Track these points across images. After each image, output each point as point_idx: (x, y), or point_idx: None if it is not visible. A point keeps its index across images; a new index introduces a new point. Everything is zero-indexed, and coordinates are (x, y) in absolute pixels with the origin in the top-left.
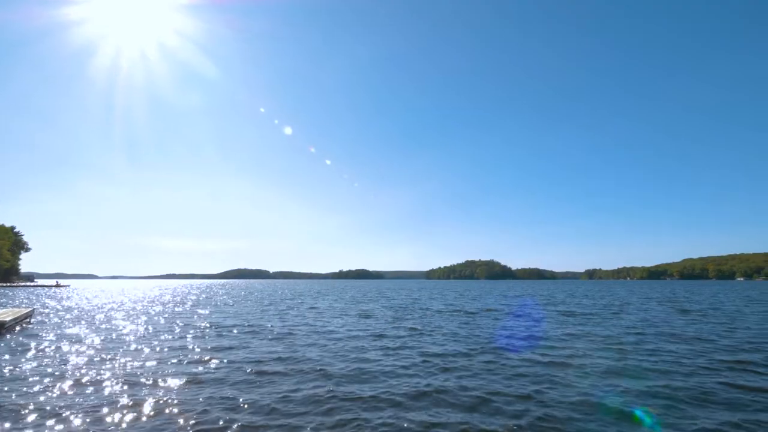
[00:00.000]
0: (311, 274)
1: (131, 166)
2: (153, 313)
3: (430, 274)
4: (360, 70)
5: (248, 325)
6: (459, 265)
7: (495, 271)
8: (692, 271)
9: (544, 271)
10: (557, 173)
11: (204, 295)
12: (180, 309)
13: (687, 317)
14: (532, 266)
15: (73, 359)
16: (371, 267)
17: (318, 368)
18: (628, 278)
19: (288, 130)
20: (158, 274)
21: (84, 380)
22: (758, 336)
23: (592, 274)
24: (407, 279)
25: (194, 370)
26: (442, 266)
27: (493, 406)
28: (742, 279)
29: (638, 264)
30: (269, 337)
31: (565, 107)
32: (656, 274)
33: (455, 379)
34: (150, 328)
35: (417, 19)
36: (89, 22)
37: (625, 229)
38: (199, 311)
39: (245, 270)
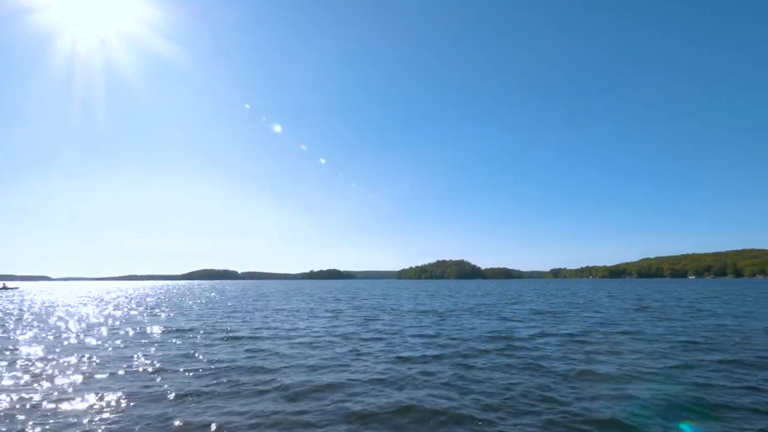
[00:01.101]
0: (281, 274)
1: (87, 159)
2: (98, 317)
3: (402, 274)
4: (330, 65)
5: (207, 330)
6: (430, 265)
7: (465, 271)
8: (649, 270)
9: (512, 270)
10: (526, 174)
11: (164, 297)
12: (133, 312)
13: (645, 313)
14: (501, 266)
15: None
16: (342, 267)
17: (276, 380)
18: (591, 277)
19: (276, 128)
20: (118, 275)
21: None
22: (712, 331)
23: (557, 273)
24: (379, 279)
25: (133, 383)
26: (413, 266)
27: (466, 413)
28: (693, 277)
29: (600, 263)
30: (229, 342)
31: (536, 108)
32: (617, 272)
33: (426, 389)
34: (85, 334)
35: (390, 14)
36: (48, 10)
37: (588, 230)
38: (157, 314)
39: (212, 271)
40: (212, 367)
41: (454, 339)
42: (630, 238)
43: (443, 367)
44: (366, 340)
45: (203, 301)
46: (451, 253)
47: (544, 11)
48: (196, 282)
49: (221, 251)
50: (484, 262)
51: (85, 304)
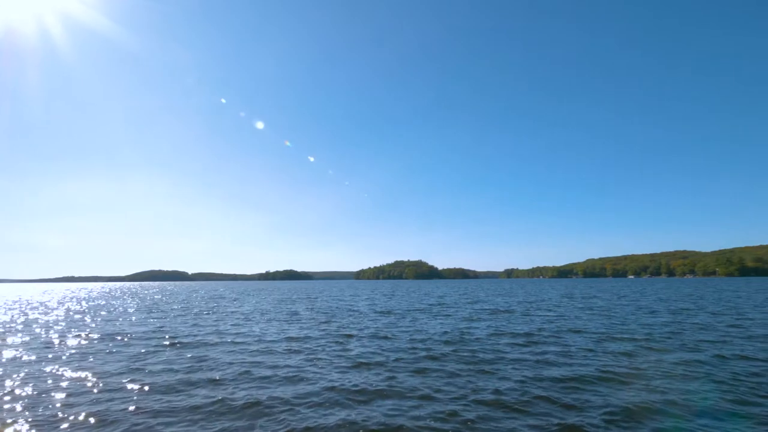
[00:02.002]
0: (236, 275)
1: (16, 150)
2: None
3: (360, 275)
4: (286, 63)
5: (147, 337)
6: (388, 265)
7: (423, 272)
8: (593, 270)
9: (468, 270)
10: (482, 178)
11: (100, 301)
12: (54, 316)
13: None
14: (458, 266)
15: None
16: (300, 268)
17: (218, 396)
18: (541, 277)
19: (238, 115)
20: (52, 276)
21: None
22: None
23: (510, 273)
24: (337, 279)
25: (41, 407)
26: (371, 266)
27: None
28: (632, 276)
29: (550, 264)
30: (172, 349)
31: (493, 113)
32: (564, 272)
33: (383, 400)
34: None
35: (346, 10)
36: None
37: (538, 233)
38: (87, 321)
39: (160, 272)
40: (145, 381)
41: (411, 340)
42: (577, 240)
43: (402, 373)
44: (322, 343)
45: (147, 304)
46: (409, 253)
47: (502, 18)
48: (141, 284)
49: (170, 251)
50: (441, 263)
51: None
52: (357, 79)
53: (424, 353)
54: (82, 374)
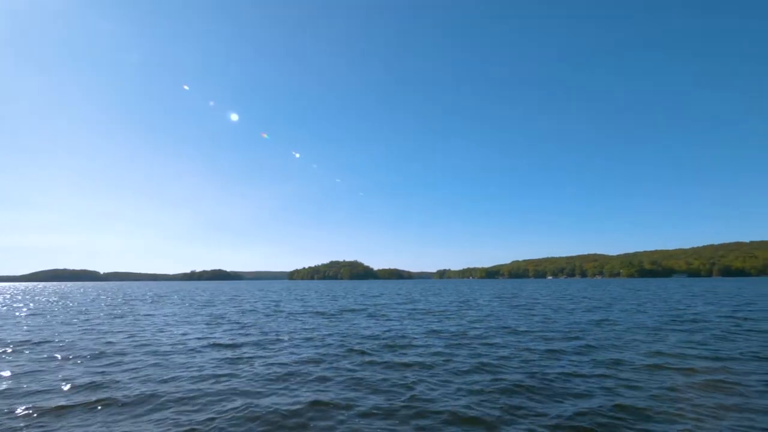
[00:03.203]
0: (156, 275)
1: None
2: None
3: (294, 275)
4: (217, 55)
5: (34, 345)
6: (323, 265)
7: (358, 272)
8: (518, 271)
9: (403, 271)
10: (416, 180)
11: None
12: None
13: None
14: (393, 267)
15: None
16: (229, 267)
17: (118, 415)
18: (471, 277)
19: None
20: None
21: None
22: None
23: (442, 274)
24: (269, 280)
25: None
26: (306, 267)
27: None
28: (551, 277)
29: (479, 265)
30: (71, 362)
31: (429, 115)
32: (492, 273)
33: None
34: None
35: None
36: None
37: (469, 235)
38: None
39: (65, 271)
40: (30, 404)
41: (344, 341)
42: (504, 243)
43: (331, 382)
44: (247, 348)
45: (41, 307)
46: (344, 254)
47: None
48: (40, 284)
49: (79, 248)
50: (376, 264)
51: None
52: (290, 75)
53: (358, 355)
54: None
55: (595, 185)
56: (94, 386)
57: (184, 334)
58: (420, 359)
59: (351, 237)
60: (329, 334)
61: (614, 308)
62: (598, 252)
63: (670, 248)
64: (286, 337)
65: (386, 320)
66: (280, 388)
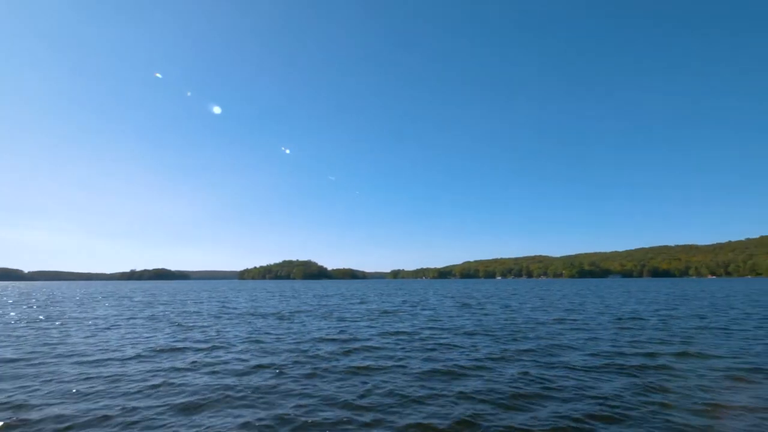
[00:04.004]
0: (90, 274)
1: None
2: None
3: (244, 275)
4: (160, 49)
5: None
6: (275, 265)
7: (312, 272)
8: (469, 271)
9: (357, 271)
10: (370, 180)
11: None
12: None
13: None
14: (347, 267)
15: None
16: (174, 266)
17: None
18: (424, 277)
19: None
20: None
21: None
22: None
23: (396, 274)
24: (218, 280)
25: None
26: (257, 266)
27: None
28: (499, 278)
29: (432, 265)
30: None
31: (382, 116)
32: (444, 273)
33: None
34: None
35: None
36: None
37: (423, 235)
38: None
39: None
40: None
41: (295, 345)
42: (456, 244)
43: (278, 393)
44: (189, 355)
45: None
46: (298, 253)
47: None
48: None
49: None
50: (330, 263)
51: None
52: (240, 70)
53: (310, 359)
54: None
55: (540, 189)
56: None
57: (117, 340)
58: (375, 362)
59: (305, 237)
60: (279, 337)
61: (557, 308)
62: (543, 253)
63: (607, 251)
64: (232, 341)
65: (340, 321)
66: (222, 400)
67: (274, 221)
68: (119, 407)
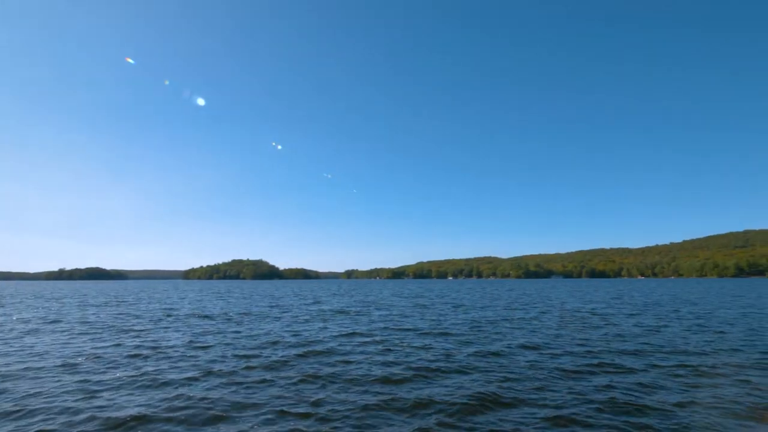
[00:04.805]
0: (11, 273)
1: None
2: None
3: (190, 274)
4: (108, 39)
5: None
6: (224, 264)
7: (263, 271)
8: (422, 272)
9: (310, 271)
10: (322, 180)
11: None
12: None
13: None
14: (300, 267)
15: None
16: (110, 265)
17: None
18: (378, 278)
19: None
20: None
21: None
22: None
23: (350, 274)
24: (160, 279)
25: None
26: (204, 265)
27: None
28: (451, 278)
29: (386, 266)
30: None
31: (336, 114)
32: (398, 274)
33: None
34: None
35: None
36: None
37: (376, 236)
38: None
39: None
40: None
41: (239, 348)
42: (409, 245)
43: (226, 404)
44: (119, 363)
45: None
46: (248, 252)
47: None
48: None
49: None
50: (283, 263)
51: None
52: (171, 62)
53: (262, 362)
54: None
55: (489, 191)
56: None
57: (38, 347)
58: (331, 368)
59: (256, 236)
60: (225, 340)
61: (498, 306)
62: (493, 255)
63: (551, 252)
64: (171, 346)
65: (292, 323)
66: (154, 417)
67: (223, 220)
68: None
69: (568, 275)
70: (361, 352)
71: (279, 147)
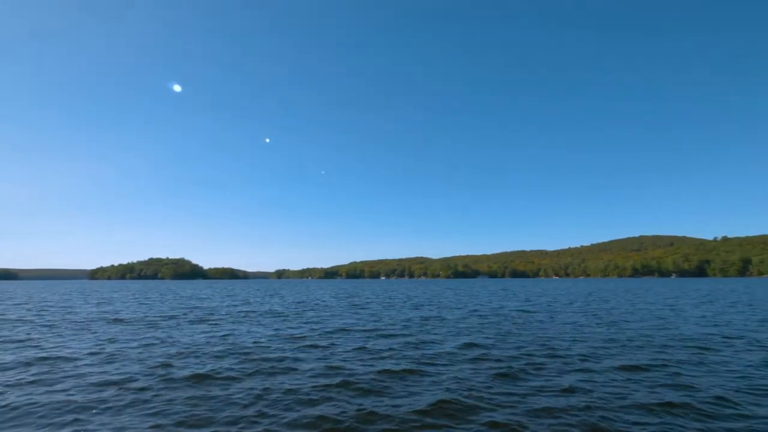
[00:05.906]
0: None
1: None
2: None
3: (98, 274)
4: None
5: None
6: (139, 263)
7: (185, 271)
8: (355, 272)
9: (238, 271)
10: (249, 178)
11: None
12: None
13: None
14: (226, 266)
15: None
16: None
17: None
18: (310, 277)
19: None
20: None
21: None
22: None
23: (281, 274)
24: (61, 279)
25: None
26: (115, 264)
27: None
28: (384, 278)
29: (318, 266)
30: None
31: (264, 110)
32: (331, 273)
33: None
34: None
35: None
36: None
37: (308, 236)
38: None
39: None
40: None
41: (150, 357)
42: (341, 245)
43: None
44: (13, 373)
45: None
46: (168, 251)
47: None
48: None
49: None
50: (208, 262)
51: None
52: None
53: (186, 370)
54: None
55: (421, 193)
56: None
57: None
58: (264, 375)
59: (177, 233)
60: (138, 349)
61: (434, 305)
62: (424, 255)
63: (477, 254)
64: (74, 355)
65: (216, 325)
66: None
67: (138, 216)
68: None
69: (493, 275)
70: (290, 349)
71: (267, 140)
